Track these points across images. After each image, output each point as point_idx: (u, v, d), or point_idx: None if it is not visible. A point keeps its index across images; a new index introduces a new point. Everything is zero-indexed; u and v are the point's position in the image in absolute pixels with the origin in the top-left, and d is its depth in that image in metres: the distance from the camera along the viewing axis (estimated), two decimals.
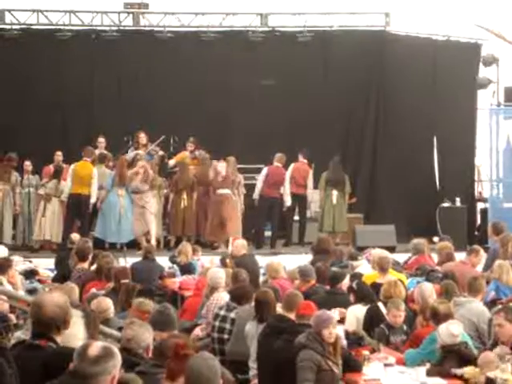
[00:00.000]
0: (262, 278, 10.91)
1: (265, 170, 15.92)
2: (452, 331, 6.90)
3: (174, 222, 15.62)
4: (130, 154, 15.97)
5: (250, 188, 16.11)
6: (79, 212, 15.31)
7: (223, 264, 11.33)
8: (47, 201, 15.40)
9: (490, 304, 8.37)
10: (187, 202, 15.59)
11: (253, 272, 10.63)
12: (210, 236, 15.46)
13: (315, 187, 16.18)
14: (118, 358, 3.99)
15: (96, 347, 3.97)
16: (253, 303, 8.10)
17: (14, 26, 18.03)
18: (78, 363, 3.93)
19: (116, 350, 4.04)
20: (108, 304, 7.56)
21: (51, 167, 15.94)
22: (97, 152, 16.03)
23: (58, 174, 15.48)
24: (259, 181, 15.91)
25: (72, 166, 15.39)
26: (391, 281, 8.61)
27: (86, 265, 10.63)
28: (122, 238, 15.07)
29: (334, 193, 15.83)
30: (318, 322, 6.78)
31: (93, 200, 15.24)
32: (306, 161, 16.16)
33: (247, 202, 16.08)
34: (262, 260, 12.12)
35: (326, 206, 15.84)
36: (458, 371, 6.66)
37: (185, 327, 8.70)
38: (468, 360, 6.81)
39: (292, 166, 16.09)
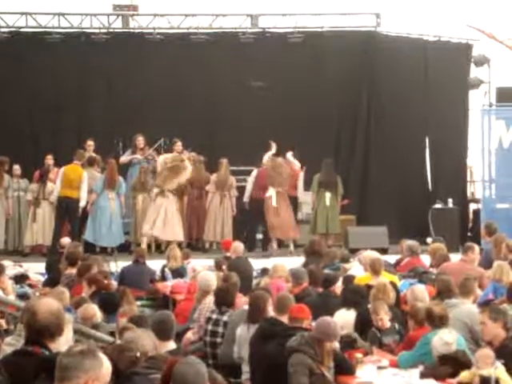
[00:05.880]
0: (254, 281, 10.84)
1: (255, 172, 15.85)
2: (446, 340, 6.77)
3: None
4: (127, 157, 15.88)
5: (242, 190, 16.04)
6: (68, 215, 15.18)
7: (218, 267, 11.25)
8: (36, 205, 15.28)
9: (483, 305, 8.27)
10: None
11: (246, 275, 10.59)
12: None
13: (306, 189, 16.11)
14: (99, 363, 3.89)
15: (82, 346, 3.92)
16: (245, 307, 8.04)
17: (3, 29, 17.94)
18: None
19: (101, 356, 3.94)
20: (94, 310, 7.48)
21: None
22: (86, 155, 15.94)
23: (43, 177, 15.34)
24: (249, 183, 15.85)
25: (62, 169, 15.24)
26: (380, 286, 8.42)
27: (74, 270, 10.48)
28: (112, 242, 15.00)
29: (327, 195, 15.79)
30: (324, 333, 6.57)
31: (82, 204, 15.07)
32: (297, 162, 16.07)
33: (238, 205, 16.01)
34: (254, 263, 12.07)
35: (319, 207, 15.79)
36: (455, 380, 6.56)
37: (177, 331, 8.61)
38: (465, 366, 6.71)
39: None
